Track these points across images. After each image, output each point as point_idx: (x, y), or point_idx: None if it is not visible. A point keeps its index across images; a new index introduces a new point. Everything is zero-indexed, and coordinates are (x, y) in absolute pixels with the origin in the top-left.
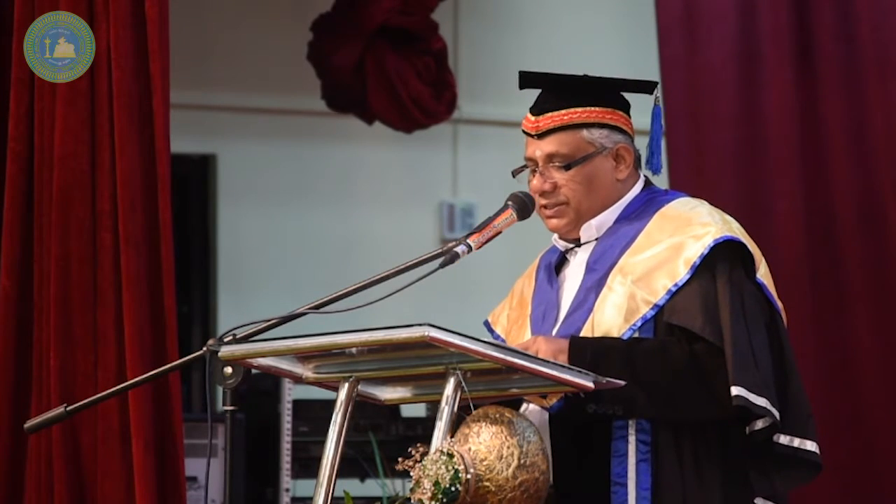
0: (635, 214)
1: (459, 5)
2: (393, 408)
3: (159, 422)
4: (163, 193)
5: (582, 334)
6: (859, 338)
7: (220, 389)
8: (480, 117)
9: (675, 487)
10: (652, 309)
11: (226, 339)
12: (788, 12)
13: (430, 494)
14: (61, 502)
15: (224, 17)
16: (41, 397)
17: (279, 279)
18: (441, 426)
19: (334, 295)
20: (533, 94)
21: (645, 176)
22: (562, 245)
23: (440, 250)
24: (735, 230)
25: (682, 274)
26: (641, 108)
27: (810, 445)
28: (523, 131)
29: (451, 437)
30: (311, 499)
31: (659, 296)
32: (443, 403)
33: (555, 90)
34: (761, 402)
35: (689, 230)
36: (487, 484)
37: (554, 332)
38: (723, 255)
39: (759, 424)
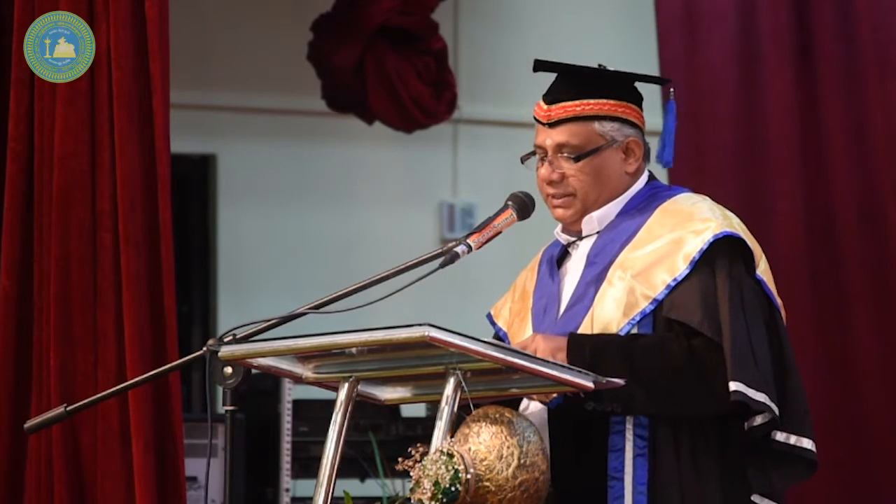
0: (637, 209)
1: (459, 5)
2: (393, 408)
3: (159, 422)
4: (163, 193)
5: (581, 328)
6: (859, 338)
7: (220, 389)
8: (480, 117)
9: (672, 483)
10: (651, 304)
11: (226, 339)
12: (788, 12)
13: (430, 494)
14: (61, 502)
15: (224, 17)
16: (41, 397)
17: (279, 279)
18: (441, 426)
19: (334, 295)
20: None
21: (649, 170)
22: (563, 238)
23: (440, 250)
24: (735, 226)
25: (682, 269)
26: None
27: (807, 443)
28: (535, 118)
29: (451, 437)
30: (311, 499)
31: (658, 290)
32: (443, 403)
33: (569, 80)
34: (760, 397)
35: (689, 225)
36: (487, 484)
37: (554, 325)
38: (722, 250)
39: (758, 420)
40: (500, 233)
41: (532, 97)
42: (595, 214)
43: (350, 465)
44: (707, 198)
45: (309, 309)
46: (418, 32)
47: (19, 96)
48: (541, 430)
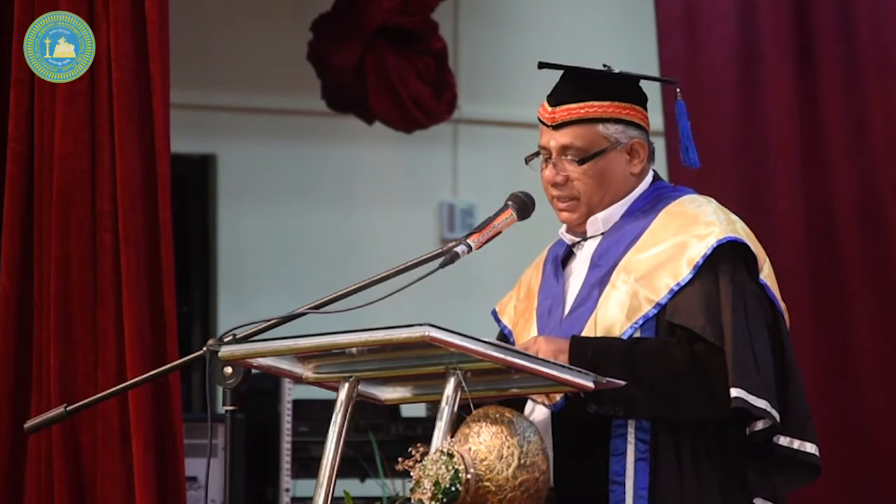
0: (642, 211)
1: (459, 5)
2: (393, 408)
3: (159, 422)
4: (163, 193)
5: (585, 331)
6: (859, 338)
7: (220, 389)
8: (480, 117)
9: (673, 487)
10: (654, 308)
11: (226, 339)
12: (788, 12)
13: (430, 494)
14: (61, 502)
15: (224, 17)
16: (41, 397)
17: (279, 279)
18: (441, 426)
19: (334, 295)
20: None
21: (654, 170)
22: (568, 239)
23: (440, 250)
24: (739, 230)
25: (685, 273)
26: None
27: (810, 447)
28: (539, 119)
29: (451, 437)
30: (311, 499)
31: (661, 294)
32: (443, 403)
33: (573, 81)
34: (761, 403)
35: (693, 229)
36: (487, 484)
37: (559, 327)
38: (726, 255)
39: (760, 425)
40: (500, 233)
41: (532, 97)
42: (600, 216)
43: (350, 465)
44: (712, 200)
45: (309, 309)
46: (418, 32)
47: (19, 96)
48: (544, 433)
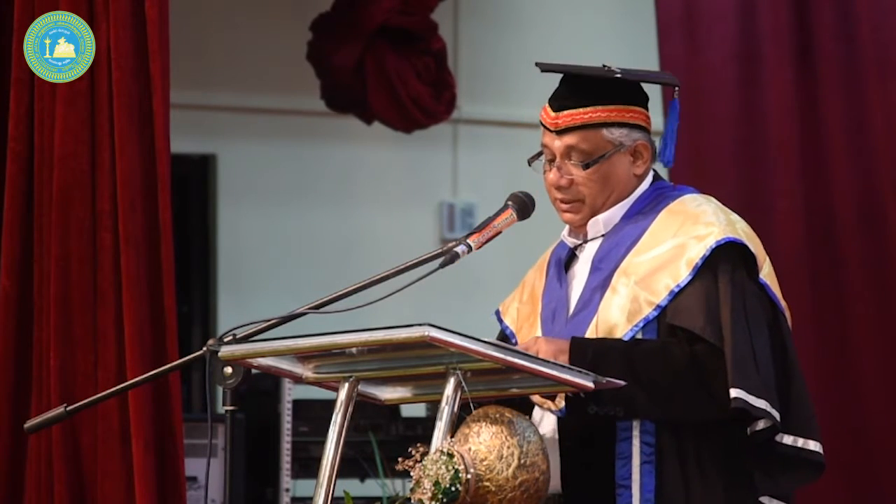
0: (642, 212)
1: (459, 5)
2: (393, 408)
3: (159, 422)
4: (163, 193)
5: (587, 334)
6: (859, 338)
7: (220, 389)
8: (480, 117)
9: (679, 489)
10: (654, 310)
11: (226, 339)
12: (788, 12)
13: (430, 494)
14: (61, 502)
15: (224, 17)
16: (41, 397)
17: (279, 279)
18: (441, 426)
19: (334, 295)
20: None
21: (654, 170)
22: (570, 241)
23: (440, 250)
24: (739, 231)
25: (684, 275)
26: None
27: (813, 445)
28: (541, 123)
29: (451, 437)
30: (311, 499)
31: (661, 296)
32: (443, 403)
33: (575, 85)
34: (760, 403)
35: (692, 230)
36: (487, 484)
37: (563, 331)
38: (725, 256)
39: (760, 425)
40: (500, 233)
41: (532, 97)
42: (601, 218)
43: (350, 465)
44: (713, 199)
45: (309, 309)
46: (418, 32)
47: (19, 96)
48: (550, 438)
